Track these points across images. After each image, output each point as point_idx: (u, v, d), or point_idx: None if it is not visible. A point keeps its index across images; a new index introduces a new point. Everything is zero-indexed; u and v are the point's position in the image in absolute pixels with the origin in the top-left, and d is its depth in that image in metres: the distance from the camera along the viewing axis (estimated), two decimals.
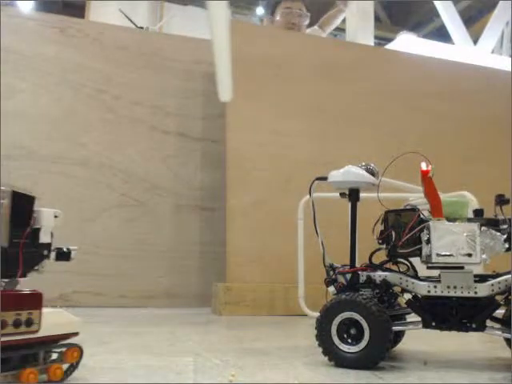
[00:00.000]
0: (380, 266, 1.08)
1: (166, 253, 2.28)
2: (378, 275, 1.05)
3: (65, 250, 0.78)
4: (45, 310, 0.71)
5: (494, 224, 1.03)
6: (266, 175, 2.26)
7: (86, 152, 2.34)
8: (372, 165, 1.17)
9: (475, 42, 4.19)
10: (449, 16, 4.33)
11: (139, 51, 2.50)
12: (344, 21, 3.61)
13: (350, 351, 0.97)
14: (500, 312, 1.03)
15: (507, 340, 1.06)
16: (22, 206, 0.73)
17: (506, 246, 1.01)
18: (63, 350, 0.75)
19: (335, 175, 1.15)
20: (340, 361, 0.97)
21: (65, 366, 0.75)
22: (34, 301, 0.70)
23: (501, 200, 1.07)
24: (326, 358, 0.99)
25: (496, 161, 2.66)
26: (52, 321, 0.72)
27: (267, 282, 2.08)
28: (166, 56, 2.54)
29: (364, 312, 0.96)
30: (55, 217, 0.78)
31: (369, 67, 2.59)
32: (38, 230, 0.75)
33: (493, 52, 4.19)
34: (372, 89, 2.55)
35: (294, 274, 1.91)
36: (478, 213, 1.08)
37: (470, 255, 0.98)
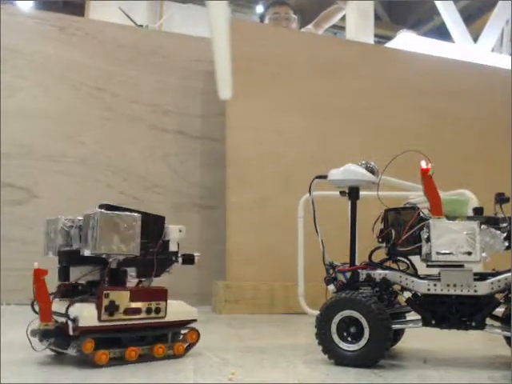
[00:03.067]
0: (380, 265, 1.08)
1: None
2: (378, 273, 1.05)
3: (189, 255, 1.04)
4: (170, 302, 0.97)
5: (493, 222, 1.02)
6: (267, 173, 2.26)
7: (85, 150, 2.34)
8: (372, 163, 1.17)
9: (475, 40, 4.18)
10: (449, 14, 4.32)
11: (139, 49, 2.50)
12: (343, 19, 3.61)
13: (350, 349, 0.97)
14: (500, 310, 1.03)
15: (507, 338, 1.06)
16: (156, 224, 0.98)
17: (506, 244, 1.01)
18: (185, 331, 1.00)
19: (335, 173, 1.15)
20: (340, 359, 0.98)
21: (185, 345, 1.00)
22: (162, 294, 0.96)
23: (501, 198, 1.06)
24: (326, 357, 0.99)
25: (496, 160, 2.66)
26: (175, 310, 0.98)
27: (267, 281, 2.08)
28: (166, 54, 2.53)
29: (364, 310, 0.96)
30: (180, 231, 1.01)
31: (369, 65, 2.59)
32: (168, 241, 1.00)
33: (493, 50, 4.18)
34: (372, 87, 2.55)
35: (294, 273, 1.91)
36: (478, 211, 1.08)
37: (469, 253, 0.98)
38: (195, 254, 1.05)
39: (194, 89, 2.54)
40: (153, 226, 0.98)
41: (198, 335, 1.02)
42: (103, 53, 2.45)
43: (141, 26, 2.97)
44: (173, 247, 1.01)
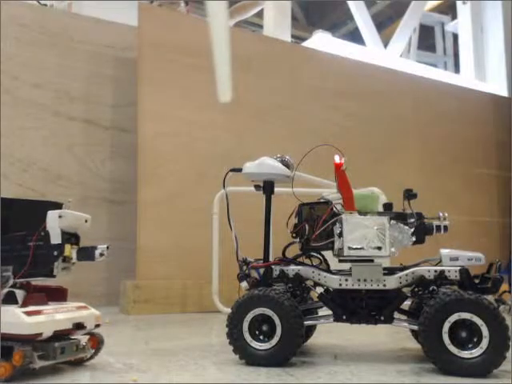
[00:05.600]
0: (293, 260, 1.06)
1: None
2: (292, 269, 1.03)
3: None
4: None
5: (402, 218, 1.04)
6: (180, 168, 2.18)
7: None
8: (287, 157, 1.14)
9: (385, 45, 4.38)
10: (362, 19, 4.50)
11: (42, 30, 2.29)
12: (260, 15, 3.61)
13: (262, 348, 0.94)
14: (407, 303, 1.05)
15: (413, 331, 1.09)
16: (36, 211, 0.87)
17: (413, 239, 1.03)
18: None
19: (250, 167, 1.11)
20: (251, 359, 0.94)
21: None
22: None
23: (409, 194, 1.09)
24: (237, 357, 0.95)
25: (403, 159, 2.79)
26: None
27: (179, 279, 2.00)
28: (73, 37, 2.34)
29: (276, 307, 0.94)
30: (60, 217, 0.86)
31: (285, 63, 2.59)
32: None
33: (401, 56, 4.41)
34: (290, 85, 2.56)
35: (208, 270, 1.86)
36: (388, 207, 1.10)
37: (379, 248, 0.99)
38: (99, 247, 0.86)
39: (104, 76, 2.38)
40: (30, 213, 0.85)
41: (100, 342, 0.92)
42: (1, 31, 2.21)
43: (45, 5, 2.73)
44: (55, 239, 0.84)
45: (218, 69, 1.33)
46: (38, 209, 0.86)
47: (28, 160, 2.17)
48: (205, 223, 1.89)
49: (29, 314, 0.78)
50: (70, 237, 0.87)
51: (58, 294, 0.88)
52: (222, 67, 1.34)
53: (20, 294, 0.85)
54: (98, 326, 0.90)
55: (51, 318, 0.80)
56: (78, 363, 0.89)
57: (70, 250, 0.86)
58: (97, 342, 0.90)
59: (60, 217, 0.85)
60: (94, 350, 0.90)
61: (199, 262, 1.97)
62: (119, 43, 2.41)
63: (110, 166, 2.33)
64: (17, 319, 0.77)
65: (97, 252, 0.86)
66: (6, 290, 0.85)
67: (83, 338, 0.87)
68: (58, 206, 0.90)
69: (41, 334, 0.78)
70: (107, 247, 0.87)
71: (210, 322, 1.71)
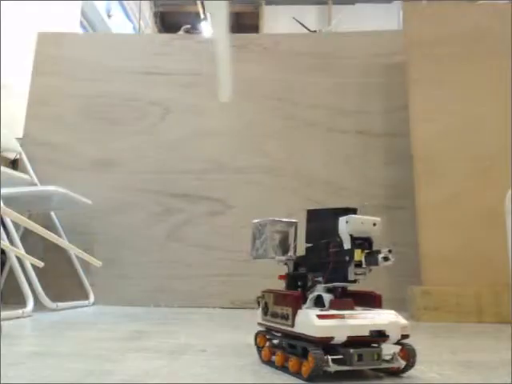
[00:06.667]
0: None
1: None
2: None
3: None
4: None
5: None
6: (460, 167, 2.04)
7: (269, 160, 2.43)
8: None
9: None
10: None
11: (315, 55, 2.51)
12: None
13: None
14: None
15: None
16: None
17: None
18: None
19: None
20: None
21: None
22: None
23: None
24: None
25: None
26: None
27: (471, 285, 1.86)
28: (342, 55, 2.50)
29: None
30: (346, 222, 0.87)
31: None
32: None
33: None
34: None
35: (506, 276, 1.67)
36: None
37: None
38: (382, 251, 0.82)
39: (373, 85, 2.44)
40: (331, 221, 0.88)
41: (411, 354, 0.83)
42: (282, 64, 2.52)
43: (314, 31, 2.99)
44: (346, 244, 0.85)
45: (218, 68, 1.24)
46: (335, 216, 0.89)
47: (311, 175, 2.39)
48: (496, 223, 1.71)
49: (321, 317, 0.79)
50: (363, 241, 0.87)
51: (370, 300, 0.87)
52: (223, 66, 1.23)
53: (327, 297, 0.89)
54: (405, 336, 0.84)
55: (344, 322, 0.79)
56: (394, 373, 0.86)
57: (360, 255, 0.85)
58: (407, 354, 0.84)
59: (347, 222, 0.85)
60: (405, 362, 0.84)
61: (492, 266, 1.79)
62: (385, 50, 2.44)
63: (385, 172, 2.36)
64: (309, 321, 0.80)
65: (379, 256, 0.82)
66: (315, 294, 0.92)
67: (392, 348, 0.83)
68: (353, 211, 0.91)
69: (332, 338, 0.78)
70: (389, 250, 0.82)
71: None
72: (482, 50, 2.14)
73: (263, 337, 0.96)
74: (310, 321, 0.80)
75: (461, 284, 1.87)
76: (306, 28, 2.94)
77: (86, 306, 2.16)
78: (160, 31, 6.93)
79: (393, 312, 0.86)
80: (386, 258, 0.82)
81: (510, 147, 1.99)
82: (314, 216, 0.98)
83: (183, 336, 1.32)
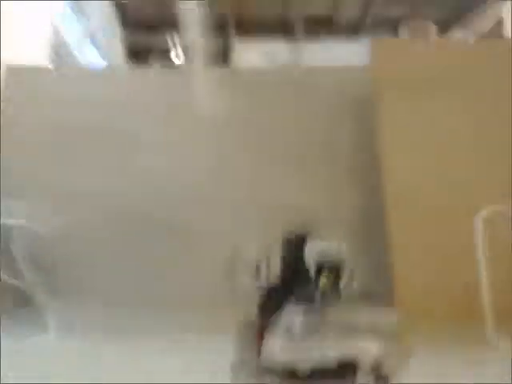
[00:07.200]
0: None
1: None
2: None
3: None
4: None
5: None
6: (431, 195, 2.09)
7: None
8: None
9: None
10: None
11: (285, 88, 2.54)
12: None
13: None
14: None
15: None
16: None
17: None
18: None
19: None
20: None
21: None
22: None
23: None
24: None
25: None
26: None
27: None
28: (312, 89, 2.53)
29: None
30: None
31: None
32: None
33: None
34: None
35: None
36: None
37: None
38: None
39: (342, 117, 2.49)
40: None
41: None
42: (253, 97, 2.53)
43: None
44: None
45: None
46: None
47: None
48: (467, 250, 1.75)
49: None
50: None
51: None
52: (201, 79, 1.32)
53: None
54: None
55: None
56: None
57: None
58: None
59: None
60: None
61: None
62: (353, 84, 2.51)
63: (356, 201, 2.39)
64: None
65: None
66: None
67: None
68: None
69: None
70: None
71: None
72: (447, 84, 2.22)
73: None
74: None
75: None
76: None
77: None
78: (131, 63, 6.92)
79: None
80: None
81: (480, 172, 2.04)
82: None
83: None
